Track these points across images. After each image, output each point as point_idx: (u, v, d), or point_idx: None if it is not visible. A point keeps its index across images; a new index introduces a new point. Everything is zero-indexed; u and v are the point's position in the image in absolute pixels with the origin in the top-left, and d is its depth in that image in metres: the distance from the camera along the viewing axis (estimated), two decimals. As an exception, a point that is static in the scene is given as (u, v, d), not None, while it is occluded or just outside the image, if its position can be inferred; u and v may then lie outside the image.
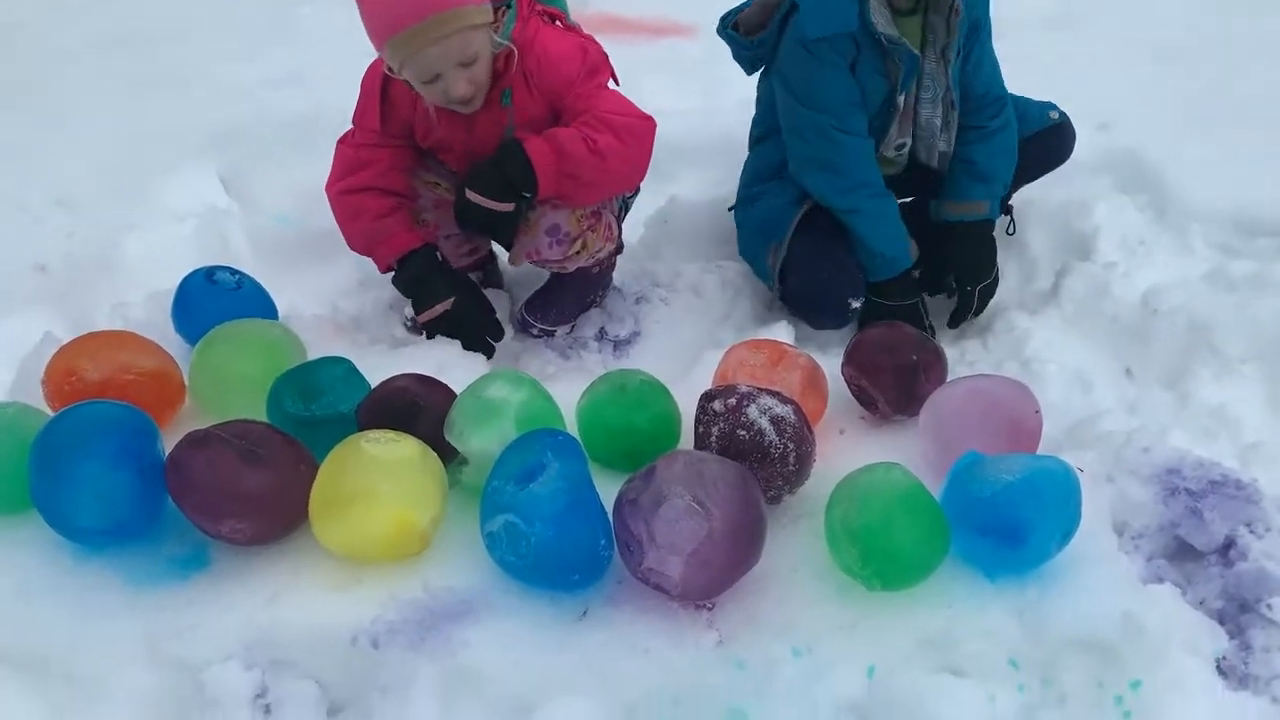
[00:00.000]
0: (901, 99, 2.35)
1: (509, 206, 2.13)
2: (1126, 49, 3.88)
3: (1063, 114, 2.63)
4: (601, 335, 2.47)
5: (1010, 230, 2.67)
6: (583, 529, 1.54)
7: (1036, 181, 2.73)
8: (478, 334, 2.26)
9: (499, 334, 2.30)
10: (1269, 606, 1.73)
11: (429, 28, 1.97)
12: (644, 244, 2.72)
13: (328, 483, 1.59)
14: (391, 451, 1.60)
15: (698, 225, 2.74)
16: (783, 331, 2.34)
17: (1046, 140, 2.60)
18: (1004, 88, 2.52)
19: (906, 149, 2.47)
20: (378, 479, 1.57)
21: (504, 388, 1.74)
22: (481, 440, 1.69)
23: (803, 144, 2.39)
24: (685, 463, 1.53)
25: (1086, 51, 3.87)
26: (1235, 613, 1.76)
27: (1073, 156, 2.72)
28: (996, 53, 2.52)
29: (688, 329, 2.49)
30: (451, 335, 2.23)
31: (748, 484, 1.55)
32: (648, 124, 2.18)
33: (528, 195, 2.12)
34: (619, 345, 2.45)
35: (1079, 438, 2.09)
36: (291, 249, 2.66)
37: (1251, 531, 1.82)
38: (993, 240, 2.53)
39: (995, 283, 2.52)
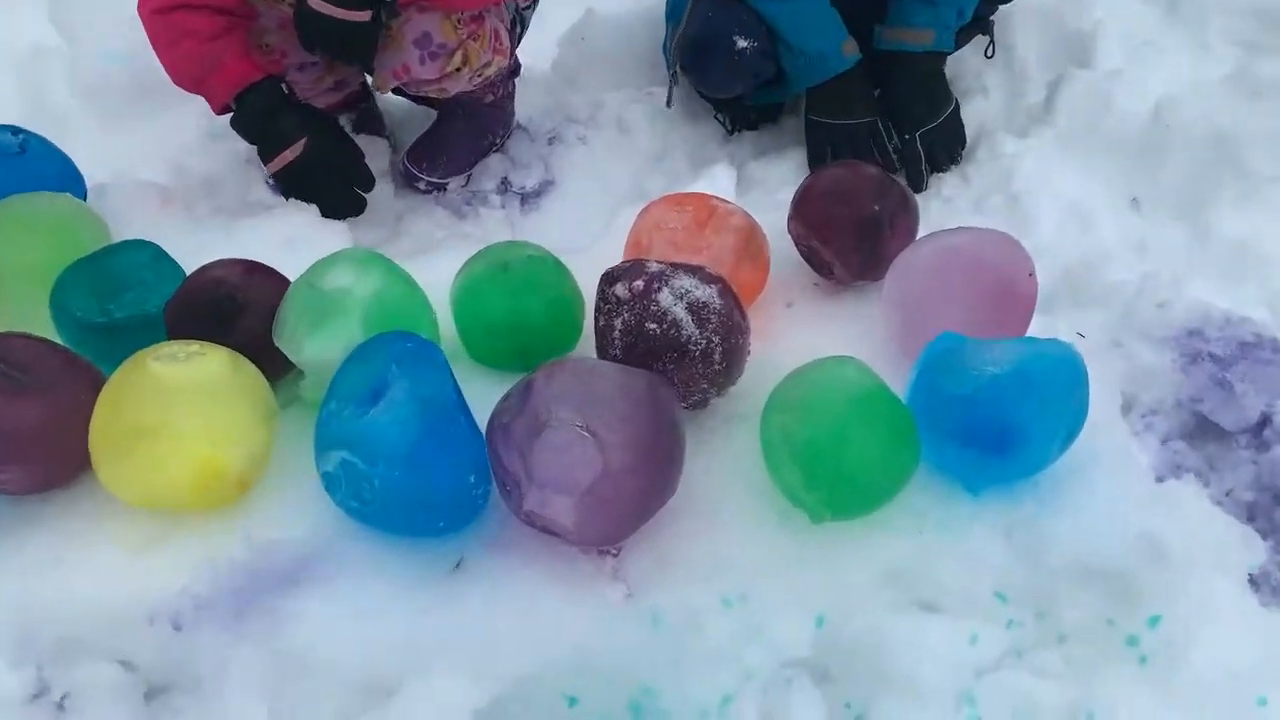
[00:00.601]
0: None
1: (364, 15, 1.68)
2: None
3: None
4: (505, 187, 2.05)
5: (989, 53, 2.24)
6: (443, 465, 1.18)
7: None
8: (340, 184, 1.85)
9: (368, 183, 1.88)
10: (1312, 500, 1.41)
11: None
12: (556, 69, 2.26)
13: (108, 414, 1.22)
14: (188, 371, 1.22)
15: (623, 43, 2.28)
16: (723, 176, 1.93)
17: None
18: None
19: None
20: (169, 407, 1.19)
21: (348, 273, 1.35)
22: (317, 346, 1.31)
23: None
24: (572, 374, 1.16)
25: None
26: (1269, 506, 1.46)
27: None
28: None
29: (612, 175, 2.09)
30: (307, 189, 1.82)
31: (657, 397, 1.18)
32: None
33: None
34: (527, 199, 2.03)
35: (1079, 292, 1.74)
36: (125, 95, 2.16)
37: (1292, 406, 1.49)
38: (940, 78, 2.09)
39: (954, 134, 2.10)
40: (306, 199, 1.81)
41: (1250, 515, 1.45)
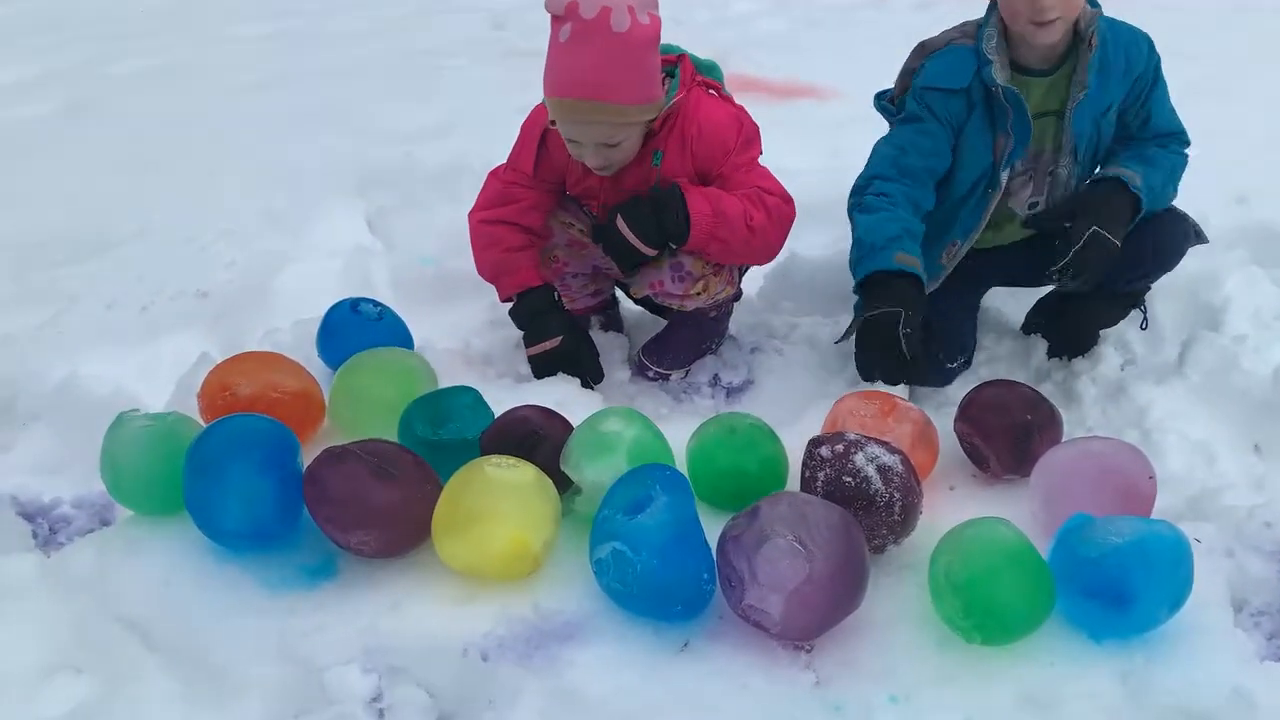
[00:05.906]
0: (1005, 176, 2.33)
1: (654, 252, 2.23)
2: (1270, 122, 3.78)
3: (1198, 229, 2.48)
4: (715, 381, 2.53)
5: (1143, 325, 2.59)
6: (687, 561, 1.59)
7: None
8: (579, 375, 2.36)
9: (599, 378, 2.41)
10: (1397, 696, 1.66)
11: (581, 108, 2.10)
12: (762, 296, 2.78)
13: (451, 502, 1.69)
14: (511, 476, 1.69)
15: (816, 280, 2.78)
16: (896, 389, 2.36)
17: (1171, 224, 2.42)
18: (1182, 128, 2.43)
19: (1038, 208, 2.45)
20: (498, 500, 1.66)
21: (618, 423, 1.82)
22: (595, 471, 1.76)
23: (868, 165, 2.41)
24: (789, 503, 1.58)
25: (1228, 123, 3.77)
26: (1362, 700, 1.70)
27: (1206, 228, 2.66)
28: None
29: (801, 380, 2.53)
30: (559, 372, 2.33)
31: (851, 529, 1.58)
32: (792, 209, 2.29)
33: (674, 246, 2.22)
34: (731, 392, 2.51)
35: (1199, 509, 2.04)
36: (429, 288, 2.82)
37: (1380, 616, 1.76)
38: (1126, 209, 2.25)
39: (1103, 252, 2.24)
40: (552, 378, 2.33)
41: (1345, 708, 1.70)
